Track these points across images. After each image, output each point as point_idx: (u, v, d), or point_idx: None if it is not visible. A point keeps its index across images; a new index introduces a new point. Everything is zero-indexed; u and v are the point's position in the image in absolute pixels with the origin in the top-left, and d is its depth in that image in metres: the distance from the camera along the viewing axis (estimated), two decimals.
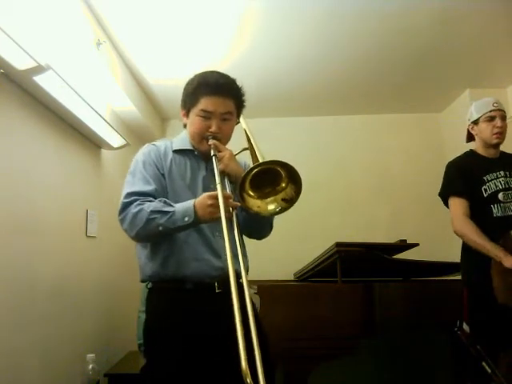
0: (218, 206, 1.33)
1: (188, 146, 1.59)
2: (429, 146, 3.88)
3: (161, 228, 1.38)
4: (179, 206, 1.40)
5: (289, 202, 1.39)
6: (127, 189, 1.47)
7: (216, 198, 1.35)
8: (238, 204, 1.39)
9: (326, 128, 3.86)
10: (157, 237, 1.44)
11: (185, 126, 1.64)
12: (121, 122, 3.29)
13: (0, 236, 1.80)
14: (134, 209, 1.40)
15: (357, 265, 2.60)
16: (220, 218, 1.32)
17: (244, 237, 1.61)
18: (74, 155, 2.51)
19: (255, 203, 1.39)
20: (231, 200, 1.38)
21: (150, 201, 1.43)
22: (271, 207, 1.40)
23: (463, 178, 2.20)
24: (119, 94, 2.86)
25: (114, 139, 2.78)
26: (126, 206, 1.43)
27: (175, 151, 1.58)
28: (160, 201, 1.43)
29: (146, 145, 1.61)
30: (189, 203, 1.39)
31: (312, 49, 2.84)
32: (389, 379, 3.01)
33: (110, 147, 2.84)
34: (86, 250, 2.62)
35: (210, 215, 1.36)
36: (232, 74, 1.58)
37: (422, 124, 3.95)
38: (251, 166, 1.37)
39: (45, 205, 2.16)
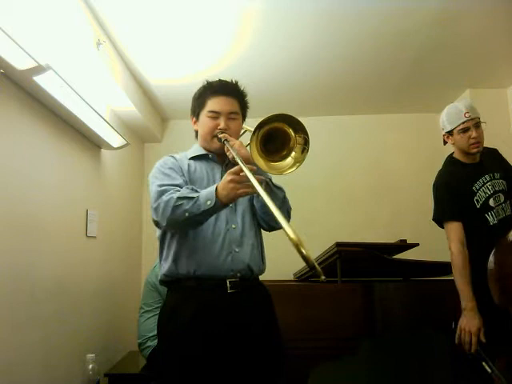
0: (238, 181, 1.31)
1: (202, 152, 1.63)
2: (429, 146, 3.86)
3: (187, 214, 1.36)
4: (203, 191, 1.40)
5: (306, 148, 1.44)
6: (156, 183, 1.48)
7: (235, 173, 1.32)
8: (262, 177, 1.36)
9: (325, 128, 3.85)
10: (187, 224, 1.43)
11: (196, 135, 1.68)
12: (121, 122, 3.29)
13: (0, 236, 1.80)
14: (165, 197, 1.42)
15: (357, 265, 2.60)
16: (242, 195, 1.34)
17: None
18: (74, 155, 2.51)
19: (282, 165, 1.42)
20: (252, 171, 1.31)
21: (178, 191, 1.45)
22: (299, 154, 1.44)
23: (453, 197, 2.12)
24: (119, 94, 2.86)
25: (114, 139, 2.78)
26: (160, 194, 1.44)
27: (190, 158, 1.62)
28: (187, 188, 1.46)
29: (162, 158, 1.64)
30: (212, 187, 1.39)
31: (311, 49, 2.83)
32: (389, 379, 3.01)
33: (110, 147, 2.84)
34: (85, 249, 2.63)
35: (232, 191, 1.33)
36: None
37: (421, 124, 3.95)
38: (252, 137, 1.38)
39: (45, 205, 2.16)
